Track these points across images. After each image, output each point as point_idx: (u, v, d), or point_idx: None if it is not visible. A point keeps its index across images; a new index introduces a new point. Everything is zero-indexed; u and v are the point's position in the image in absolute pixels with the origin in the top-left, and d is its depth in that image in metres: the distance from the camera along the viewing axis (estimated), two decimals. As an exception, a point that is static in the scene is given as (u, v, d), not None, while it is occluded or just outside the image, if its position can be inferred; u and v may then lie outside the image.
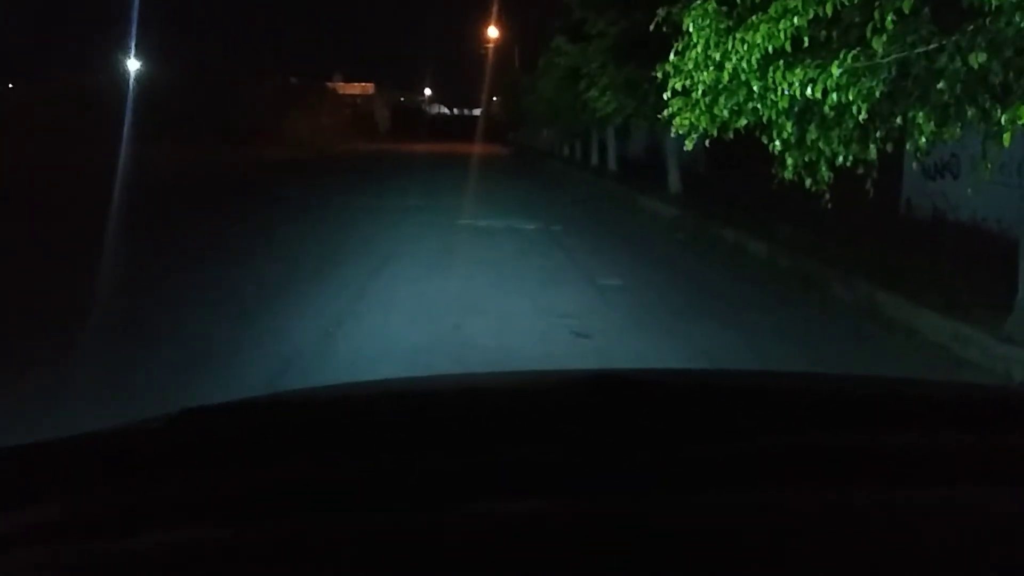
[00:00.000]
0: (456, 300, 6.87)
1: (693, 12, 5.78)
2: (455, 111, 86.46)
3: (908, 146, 5.47)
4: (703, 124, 6.15)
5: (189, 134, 33.80)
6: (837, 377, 1.20)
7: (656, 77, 6.63)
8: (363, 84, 76.93)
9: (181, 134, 32.96)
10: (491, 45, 46.00)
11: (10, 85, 43.67)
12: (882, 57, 4.83)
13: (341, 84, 72.71)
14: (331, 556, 0.74)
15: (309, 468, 0.88)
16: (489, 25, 44.75)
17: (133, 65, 40.31)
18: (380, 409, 1.09)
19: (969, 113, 4.89)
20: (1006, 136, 4.63)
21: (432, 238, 10.45)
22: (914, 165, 6.91)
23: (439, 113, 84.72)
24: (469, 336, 5.75)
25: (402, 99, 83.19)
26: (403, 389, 1.21)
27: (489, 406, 1.07)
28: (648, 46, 8.70)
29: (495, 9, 43.05)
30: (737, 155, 10.22)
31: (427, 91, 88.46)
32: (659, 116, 7.03)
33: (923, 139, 5.10)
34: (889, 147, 5.68)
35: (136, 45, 37.70)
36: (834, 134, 5.51)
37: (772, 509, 0.81)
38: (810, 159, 5.87)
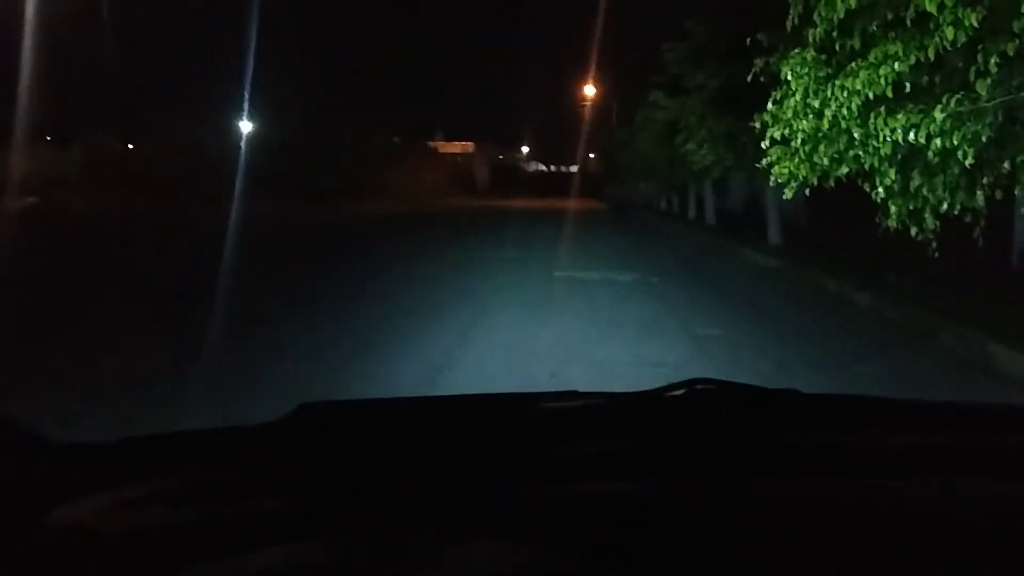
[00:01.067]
0: (553, 349, 6.92)
1: (791, 61, 5.78)
2: (552, 168, 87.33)
3: (1018, 193, 5.32)
4: (803, 172, 6.10)
5: (297, 190, 35.17)
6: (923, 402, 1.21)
7: (754, 128, 6.63)
8: (463, 143, 78.65)
9: (289, 191, 34.34)
10: (588, 103, 46.52)
11: (130, 146, 46.28)
12: (987, 101, 4.74)
13: (442, 143, 74.54)
14: (459, 522, 0.81)
15: (436, 451, 0.96)
16: (586, 83, 45.32)
17: (246, 126, 42.34)
18: (494, 408, 1.17)
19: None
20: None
21: (529, 289, 10.55)
22: (1021, 210, 6.68)
23: (536, 170, 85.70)
24: (565, 383, 5.74)
25: (500, 157, 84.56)
26: (513, 396, 1.30)
27: (590, 407, 1.14)
28: (746, 98, 8.71)
29: (593, 67, 43.58)
30: (838, 204, 10.05)
31: (525, 149, 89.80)
32: (758, 166, 7.01)
33: (1035, 184, 4.96)
34: (998, 194, 5.52)
35: (248, 106, 39.63)
36: (939, 181, 5.39)
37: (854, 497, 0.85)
38: (915, 207, 5.75)
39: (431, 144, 70.65)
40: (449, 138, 77.41)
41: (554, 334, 7.59)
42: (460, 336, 7.35)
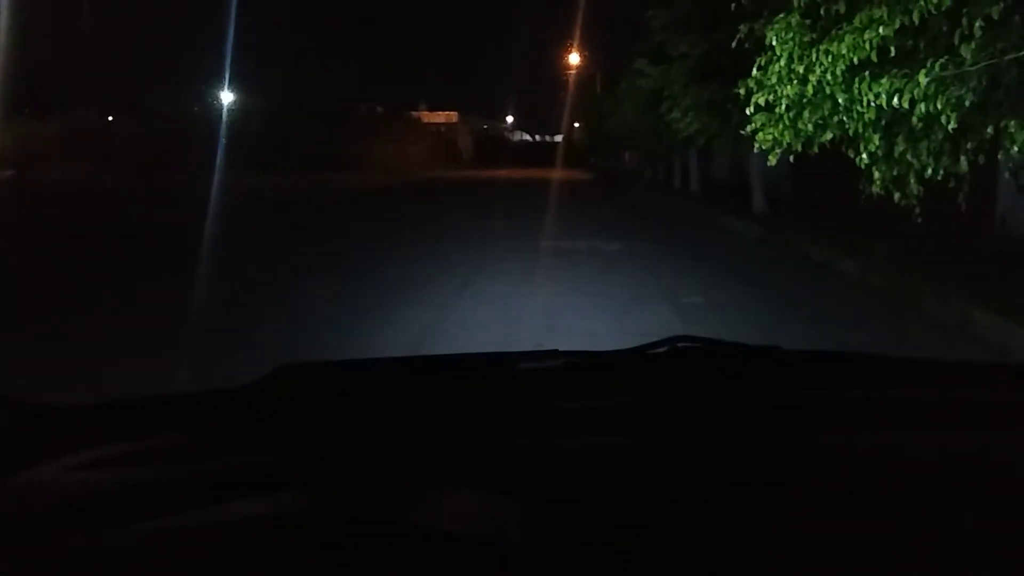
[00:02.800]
0: (538, 318, 6.92)
1: (776, 26, 5.75)
2: (537, 138, 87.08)
3: (1000, 158, 5.33)
4: (787, 139, 6.10)
5: (279, 162, 34.96)
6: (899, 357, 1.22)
7: (739, 95, 6.61)
8: (447, 113, 78.21)
9: (272, 162, 34.13)
10: (572, 71, 46.30)
11: (110, 118, 45.73)
12: (971, 65, 4.73)
13: (426, 113, 74.11)
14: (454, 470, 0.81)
15: (412, 407, 0.95)
16: (571, 51, 45.06)
17: (227, 97, 41.92)
18: (473, 366, 1.16)
19: (1066, 121, 4.75)
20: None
21: (515, 258, 10.54)
22: (1006, 175, 6.70)
23: (521, 140, 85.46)
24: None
25: (485, 127, 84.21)
26: (498, 355, 1.29)
27: (571, 364, 1.14)
28: (731, 65, 8.68)
29: (576, 36, 43.31)
30: (822, 172, 10.07)
31: (509, 119, 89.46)
32: (742, 133, 6.99)
33: (1016, 149, 4.97)
34: (981, 159, 5.53)
35: (229, 77, 39.22)
36: (923, 146, 5.40)
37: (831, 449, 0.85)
38: (899, 173, 5.76)
39: (415, 114, 70.20)
40: (433, 108, 76.98)
41: (539, 304, 7.59)
42: (444, 307, 7.34)
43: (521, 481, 0.79)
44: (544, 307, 7.42)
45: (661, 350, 1.12)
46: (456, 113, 79.16)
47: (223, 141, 30.06)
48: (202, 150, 30.04)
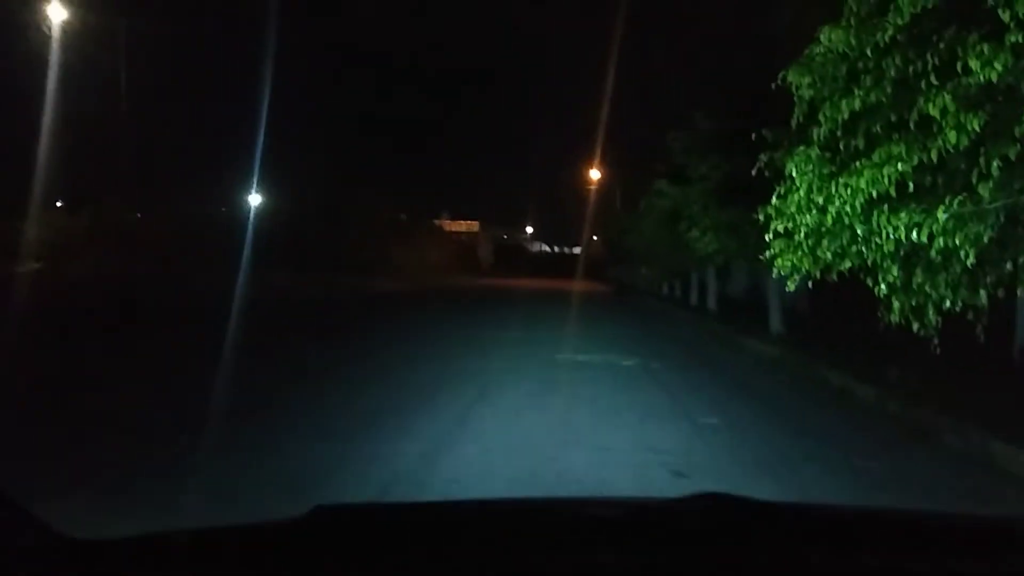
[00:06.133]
0: (553, 432, 6.89)
1: (796, 157, 5.90)
2: (556, 249, 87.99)
3: (1020, 292, 5.36)
4: (806, 266, 6.17)
5: (304, 264, 35.46)
6: (937, 513, 1.22)
7: (758, 218, 6.73)
8: (468, 221, 79.47)
9: (297, 264, 34.62)
10: (593, 186, 47.11)
11: (138, 215, 46.61)
12: (989, 203, 4.82)
13: (447, 221, 75.31)
14: None
15: (447, 564, 0.97)
16: (591, 166, 45.98)
17: (254, 200, 42.85)
18: (506, 521, 1.18)
19: (1084, 260, 4.81)
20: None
21: (530, 371, 10.54)
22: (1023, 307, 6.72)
23: (540, 250, 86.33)
24: (565, 468, 5.74)
25: (505, 236, 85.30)
26: (524, 501, 1.30)
27: (603, 519, 1.15)
28: (750, 189, 8.84)
29: (598, 151, 44.27)
30: (841, 295, 10.11)
31: (529, 229, 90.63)
32: (761, 257, 7.08)
33: (1036, 285, 5.01)
34: (1000, 293, 5.57)
35: (258, 180, 40.20)
36: (941, 279, 5.45)
37: None
38: (917, 303, 5.79)
39: (437, 223, 71.40)
40: (455, 217, 78.26)
41: (555, 417, 7.57)
42: (461, 417, 7.33)
43: None
44: (559, 420, 7.39)
45: (695, 507, 1.13)
46: (477, 222, 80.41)
47: (248, 242, 30.56)
48: (227, 250, 30.53)
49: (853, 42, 5.37)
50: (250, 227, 34.58)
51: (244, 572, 0.97)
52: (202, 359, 9.99)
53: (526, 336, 15.13)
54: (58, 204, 40.17)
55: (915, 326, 5.98)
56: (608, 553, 1.01)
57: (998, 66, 4.45)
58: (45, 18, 24.55)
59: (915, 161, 4.98)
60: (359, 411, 7.36)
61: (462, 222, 78.48)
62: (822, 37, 5.61)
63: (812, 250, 5.98)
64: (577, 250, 67.74)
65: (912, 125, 5.01)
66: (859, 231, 5.51)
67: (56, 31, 24.51)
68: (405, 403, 7.78)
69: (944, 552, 1.08)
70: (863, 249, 5.64)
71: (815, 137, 5.77)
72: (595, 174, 46.41)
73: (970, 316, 5.86)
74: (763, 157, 6.86)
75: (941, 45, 4.83)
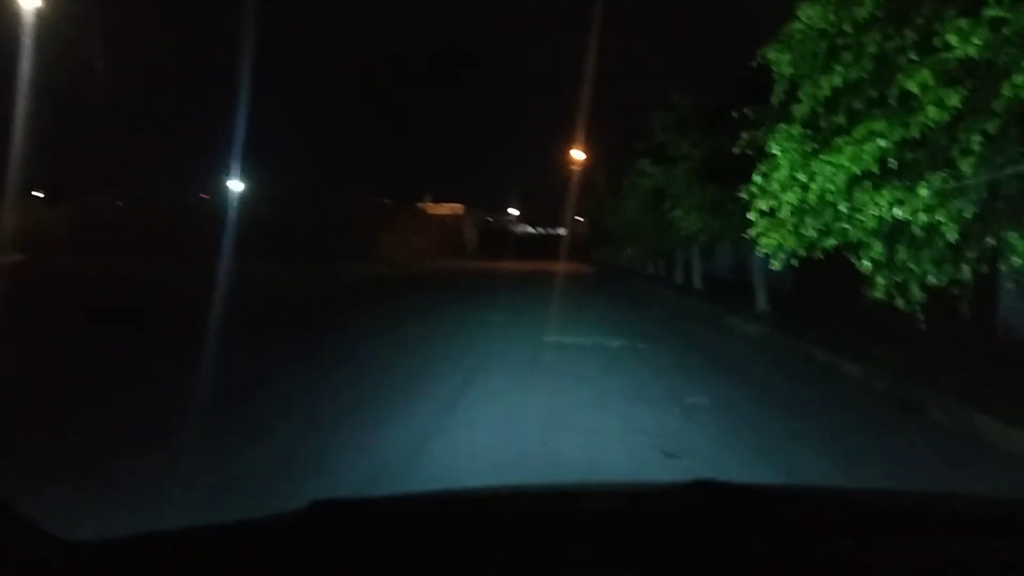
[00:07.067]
0: (542, 415, 6.89)
1: (777, 135, 5.89)
2: (540, 230, 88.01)
3: (1002, 267, 5.38)
4: (790, 244, 6.18)
5: (287, 251, 35.33)
6: (925, 494, 1.22)
7: (741, 198, 6.72)
8: (452, 205, 79.23)
9: (279, 251, 34.49)
10: (576, 167, 47.08)
11: (119, 203, 46.27)
12: (971, 178, 4.83)
13: (431, 205, 75.07)
14: None
15: (446, 556, 0.96)
16: (575, 148, 45.93)
17: (236, 186, 42.60)
18: (503, 512, 1.17)
19: (1065, 233, 4.83)
20: (1106, 257, 4.55)
21: (518, 354, 10.54)
22: (1009, 284, 6.76)
23: (524, 232, 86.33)
24: (556, 452, 5.75)
25: (489, 219, 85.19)
26: (519, 492, 1.30)
27: (596, 507, 1.15)
28: (733, 167, 8.84)
29: (581, 132, 44.21)
30: (825, 272, 10.15)
31: (514, 211, 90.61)
32: (744, 236, 7.08)
33: (1018, 260, 5.03)
34: (984, 268, 5.59)
35: (239, 168, 39.95)
36: (924, 254, 5.46)
37: None
38: (901, 279, 5.81)
39: (421, 206, 71.18)
40: (439, 200, 77.99)
41: (543, 400, 7.57)
42: (449, 402, 7.32)
43: None
44: (548, 404, 7.39)
45: (688, 494, 1.13)
46: (461, 205, 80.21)
47: (230, 230, 30.39)
48: (209, 238, 30.37)
49: (832, 18, 5.36)
50: (232, 214, 34.40)
51: (245, 570, 0.97)
52: (183, 351, 9.94)
53: (512, 319, 15.13)
54: (36, 194, 39.82)
55: (899, 302, 6.00)
56: (607, 544, 1.01)
57: (976, 41, 4.44)
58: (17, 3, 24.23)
59: (896, 137, 4.98)
60: (347, 399, 7.34)
61: (446, 205, 78.23)
62: (800, 14, 5.60)
63: (796, 228, 5.99)
64: (562, 231, 67.77)
65: (893, 101, 5.00)
66: (842, 208, 5.52)
67: (29, 16, 24.19)
68: (393, 389, 7.77)
69: (942, 535, 1.08)
70: (846, 226, 5.65)
71: (796, 115, 5.76)
72: (579, 155, 46.39)
73: (955, 292, 5.88)
74: (745, 135, 6.85)
75: (920, 20, 4.82)
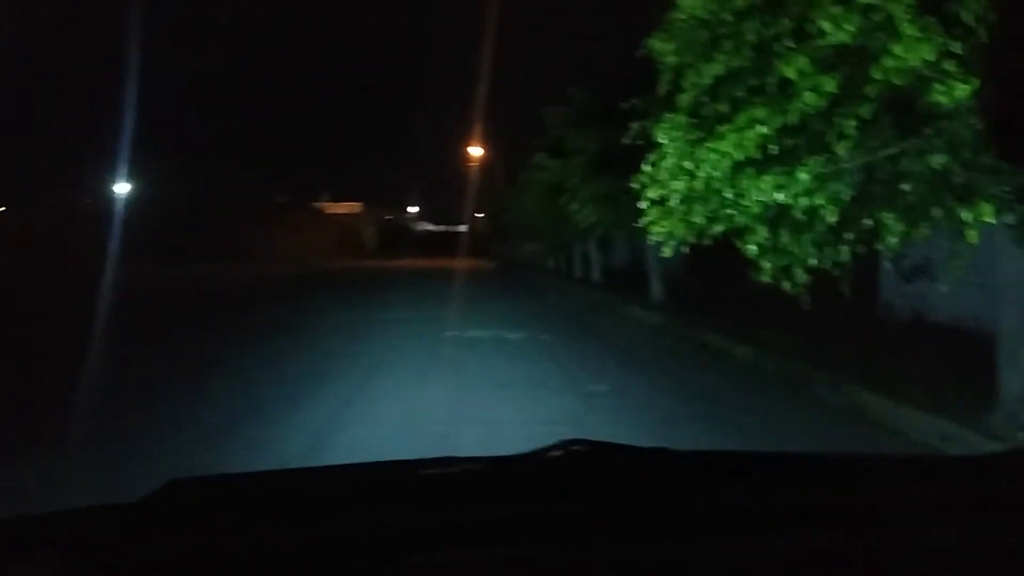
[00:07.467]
0: (443, 411, 6.86)
1: (664, 125, 5.99)
2: (441, 227, 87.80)
3: (879, 247, 5.60)
4: (680, 231, 6.28)
5: (180, 253, 34.30)
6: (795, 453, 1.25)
7: (633, 188, 6.82)
8: (351, 203, 78.13)
9: (172, 253, 33.46)
10: (475, 163, 47.09)
11: (2, 208, 44.13)
12: (847, 162, 5.01)
13: (329, 204, 73.91)
14: None
15: (305, 526, 0.93)
16: (473, 144, 45.91)
17: (123, 188, 41.08)
18: (368, 478, 1.15)
19: (935, 213, 5.05)
20: (971, 234, 4.79)
21: (419, 350, 10.48)
22: (887, 265, 7.06)
23: (425, 230, 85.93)
24: (456, 446, 5.73)
25: (388, 217, 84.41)
26: (387, 465, 1.27)
27: (465, 472, 1.14)
28: (625, 159, 8.96)
29: (479, 129, 44.24)
30: (717, 260, 10.42)
31: (414, 208, 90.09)
32: (637, 225, 7.19)
33: (893, 240, 5.24)
34: (862, 249, 5.80)
35: (130, 168, 38.52)
36: (806, 238, 5.63)
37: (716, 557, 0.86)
38: (786, 263, 5.99)
39: (317, 205, 69.99)
40: (338, 199, 76.78)
41: (445, 395, 7.54)
42: (349, 400, 7.21)
43: None
44: (449, 399, 7.37)
45: (555, 454, 1.13)
46: (360, 204, 79.19)
47: (118, 233, 29.22)
48: (97, 242, 29.15)
49: (712, 7, 5.48)
50: (119, 217, 33.14)
51: (88, 555, 0.91)
52: (63, 357, 9.49)
53: (413, 316, 15.03)
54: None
55: (785, 285, 6.19)
56: (465, 507, 0.99)
57: (849, 27, 4.61)
58: None
59: (777, 124, 5.11)
60: (244, 402, 7.14)
61: (344, 204, 77.09)
62: (681, 3, 5.71)
63: (685, 215, 6.08)
64: (463, 228, 67.76)
65: (772, 89, 5.15)
66: (727, 195, 5.64)
67: None
68: (291, 390, 7.60)
69: (803, 484, 1.10)
70: (732, 212, 5.78)
71: (681, 104, 5.87)
72: (477, 151, 46.41)
73: (836, 273, 6.09)
74: (635, 126, 6.95)
75: (795, 8, 4.98)
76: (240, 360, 9.63)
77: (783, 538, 0.91)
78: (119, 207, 37.02)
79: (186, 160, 44.97)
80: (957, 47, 4.56)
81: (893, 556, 0.90)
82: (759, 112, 5.17)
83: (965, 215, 4.72)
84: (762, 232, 5.74)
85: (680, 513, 0.96)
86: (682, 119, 5.88)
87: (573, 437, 1.18)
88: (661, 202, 6.31)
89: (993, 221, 4.79)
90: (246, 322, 14.68)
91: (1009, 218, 5.22)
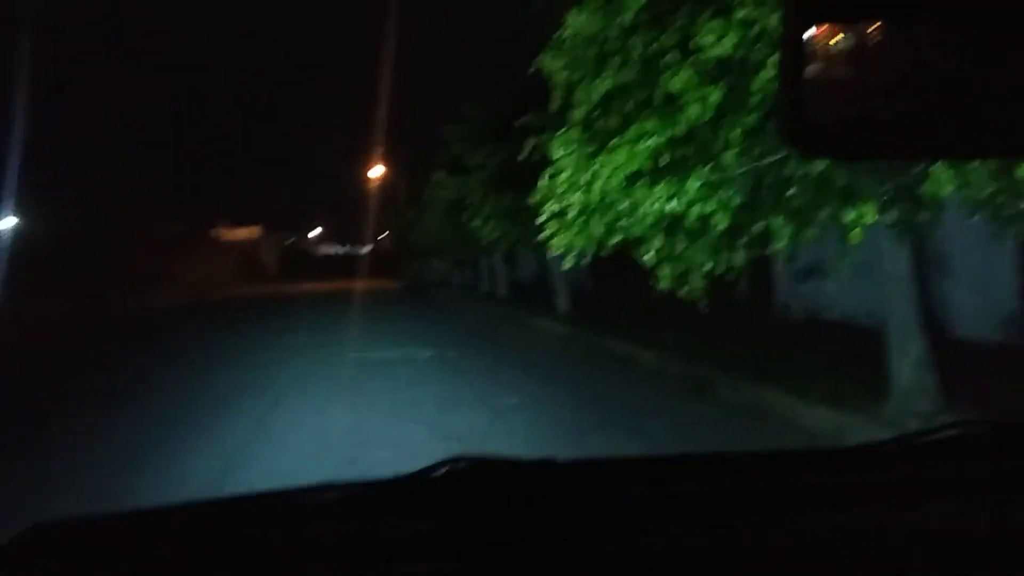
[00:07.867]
0: (351, 434, 6.78)
1: (558, 140, 6.10)
2: (345, 248, 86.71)
3: (770, 251, 5.81)
4: (579, 243, 6.38)
5: (68, 284, 32.94)
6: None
7: (534, 203, 6.90)
8: (250, 228, 76.46)
9: (60, 285, 32.08)
10: (376, 183, 46.76)
11: None
12: (735, 170, 5.19)
13: (227, 229, 72.12)
14: None
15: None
16: (374, 164, 45.58)
17: (7, 223, 39.24)
18: (235, 512, 1.13)
19: (821, 215, 5.27)
20: (854, 233, 5.00)
21: (324, 375, 10.32)
22: (779, 267, 7.32)
23: (327, 253, 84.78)
24: (365, 470, 5.65)
25: (290, 241, 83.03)
26: (257, 496, 1.26)
27: (345, 498, 1.13)
28: (525, 174, 9.06)
29: (380, 148, 43.94)
30: (619, 270, 10.61)
31: (317, 231, 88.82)
32: (538, 239, 7.28)
33: (783, 243, 5.44)
34: (756, 253, 6.00)
35: (16, 202, 36.77)
36: (701, 244, 5.80)
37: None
38: (683, 269, 6.15)
39: (214, 231, 68.26)
40: (236, 224, 75.02)
41: (352, 419, 7.44)
42: (253, 431, 7.04)
43: None
44: (357, 421, 7.28)
45: (438, 473, 1.14)
46: (259, 228, 77.58)
47: (5, 267, 27.82)
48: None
49: (600, 25, 5.61)
50: (4, 250, 31.61)
51: None
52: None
53: (318, 339, 14.79)
54: None
55: (684, 291, 6.35)
56: (335, 533, 0.99)
57: (730, 40, 4.78)
58: None
59: (666, 135, 5.25)
60: (143, 437, 6.89)
61: (243, 229, 75.36)
62: (569, 21, 5.82)
63: (583, 228, 6.18)
64: (367, 248, 67.09)
65: (660, 102, 5.29)
66: (623, 206, 5.76)
67: None
68: (192, 423, 7.38)
69: (691, 481, 1.13)
70: (629, 223, 5.90)
71: (574, 119, 5.98)
72: (379, 170, 46.05)
73: (732, 277, 6.29)
74: (531, 141, 7.04)
75: (679, 23, 5.14)
76: (133, 396, 9.28)
77: (664, 539, 0.94)
78: (3, 242, 35.32)
79: (78, 191, 43.16)
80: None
81: (776, 547, 0.94)
82: (649, 125, 5.31)
83: (849, 216, 4.93)
84: (658, 241, 5.88)
85: (561, 523, 0.98)
86: (575, 134, 5.99)
87: (457, 455, 1.20)
88: (560, 215, 6.40)
89: (874, 221, 5.02)
90: (142, 354, 14.15)
91: (890, 217, 5.49)
